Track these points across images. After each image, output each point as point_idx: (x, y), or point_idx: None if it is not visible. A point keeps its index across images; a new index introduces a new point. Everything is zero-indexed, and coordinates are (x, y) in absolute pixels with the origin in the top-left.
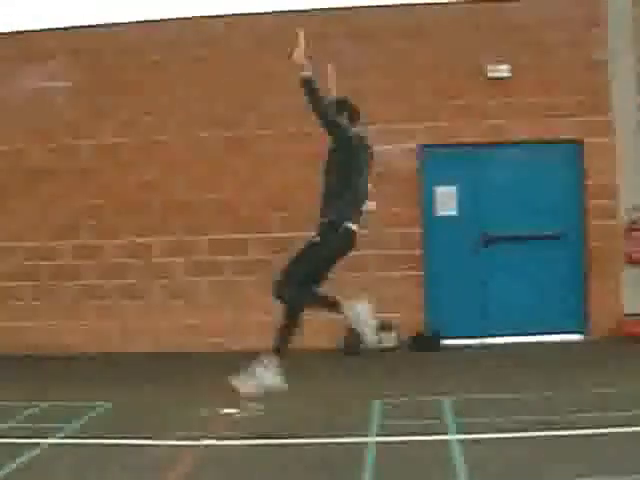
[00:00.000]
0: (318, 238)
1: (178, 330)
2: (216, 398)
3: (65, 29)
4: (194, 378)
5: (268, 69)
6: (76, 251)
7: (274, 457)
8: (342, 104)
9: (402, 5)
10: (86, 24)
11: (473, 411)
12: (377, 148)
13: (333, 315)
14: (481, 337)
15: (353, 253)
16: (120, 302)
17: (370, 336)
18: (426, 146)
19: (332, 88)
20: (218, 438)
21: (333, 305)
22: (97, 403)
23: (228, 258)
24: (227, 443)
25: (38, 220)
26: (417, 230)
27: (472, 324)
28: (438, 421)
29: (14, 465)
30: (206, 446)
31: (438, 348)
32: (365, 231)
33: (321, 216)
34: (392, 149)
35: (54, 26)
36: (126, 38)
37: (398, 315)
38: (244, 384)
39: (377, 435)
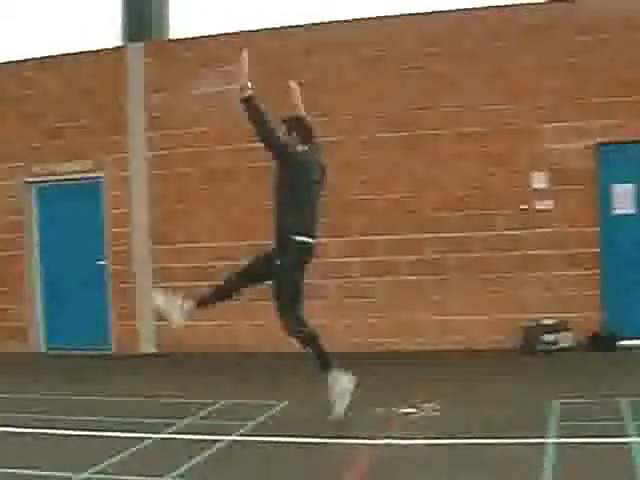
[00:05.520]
0: (279, 261)
1: (355, 330)
2: (391, 398)
3: (240, 33)
4: (370, 377)
5: (441, 69)
6: (252, 251)
7: (451, 457)
8: (295, 122)
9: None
10: (260, 27)
11: None
12: (553, 146)
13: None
14: None
15: (530, 252)
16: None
17: (339, 409)
18: (602, 144)
19: (297, 104)
20: (395, 438)
21: (326, 360)
22: (275, 401)
23: (405, 258)
24: (404, 443)
25: (217, 220)
26: (594, 229)
27: None
28: (617, 423)
29: (195, 461)
30: (386, 445)
31: (614, 348)
32: (542, 230)
33: (274, 237)
34: (568, 148)
35: (230, 31)
36: (300, 40)
37: (576, 315)
38: (161, 298)
39: (556, 436)
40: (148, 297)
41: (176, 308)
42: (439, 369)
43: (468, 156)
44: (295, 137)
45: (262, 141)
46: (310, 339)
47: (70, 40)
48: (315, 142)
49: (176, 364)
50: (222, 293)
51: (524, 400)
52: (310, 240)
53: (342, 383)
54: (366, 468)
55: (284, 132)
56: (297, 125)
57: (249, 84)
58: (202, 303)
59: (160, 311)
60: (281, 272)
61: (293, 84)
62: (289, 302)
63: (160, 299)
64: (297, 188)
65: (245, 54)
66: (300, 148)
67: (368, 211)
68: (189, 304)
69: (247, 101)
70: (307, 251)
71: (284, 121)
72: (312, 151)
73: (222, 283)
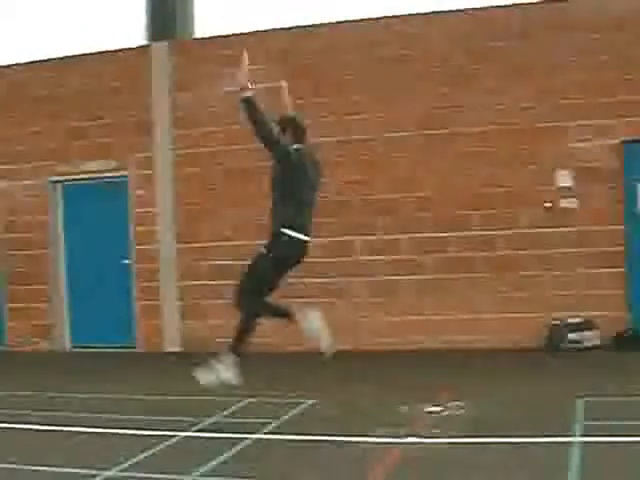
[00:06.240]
0: (264, 249)
1: (380, 328)
2: (417, 396)
3: (265, 32)
4: (395, 376)
5: (464, 68)
6: None
7: (476, 456)
8: (288, 123)
9: None
10: (283, 26)
11: None
12: (578, 145)
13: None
14: None
15: (555, 251)
16: (319, 300)
17: (325, 341)
18: (628, 142)
19: (287, 103)
20: (420, 436)
21: (285, 315)
22: (301, 399)
23: (430, 257)
24: (429, 441)
25: (241, 219)
26: (619, 227)
27: None
28: None
29: (220, 460)
30: (411, 443)
31: (639, 348)
32: (567, 228)
33: (270, 228)
34: (593, 146)
35: (255, 29)
36: (324, 39)
37: (601, 313)
38: (203, 376)
39: (582, 435)
40: (173, 296)
41: (221, 372)
42: (464, 368)
43: (492, 155)
44: (289, 137)
45: (260, 140)
46: (256, 314)
47: (95, 39)
48: (309, 141)
49: (201, 363)
50: (247, 324)
51: (549, 399)
52: (302, 237)
53: (313, 318)
54: (391, 466)
55: (278, 132)
56: (290, 125)
57: (249, 84)
58: (237, 346)
59: (212, 386)
60: (260, 259)
61: (284, 83)
62: (252, 289)
63: (204, 377)
64: (293, 186)
65: (245, 55)
66: (295, 147)
67: (393, 210)
68: (228, 359)
69: (247, 101)
70: (298, 247)
71: (277, 122)
72: (308, 150)
73: (243, 316)
